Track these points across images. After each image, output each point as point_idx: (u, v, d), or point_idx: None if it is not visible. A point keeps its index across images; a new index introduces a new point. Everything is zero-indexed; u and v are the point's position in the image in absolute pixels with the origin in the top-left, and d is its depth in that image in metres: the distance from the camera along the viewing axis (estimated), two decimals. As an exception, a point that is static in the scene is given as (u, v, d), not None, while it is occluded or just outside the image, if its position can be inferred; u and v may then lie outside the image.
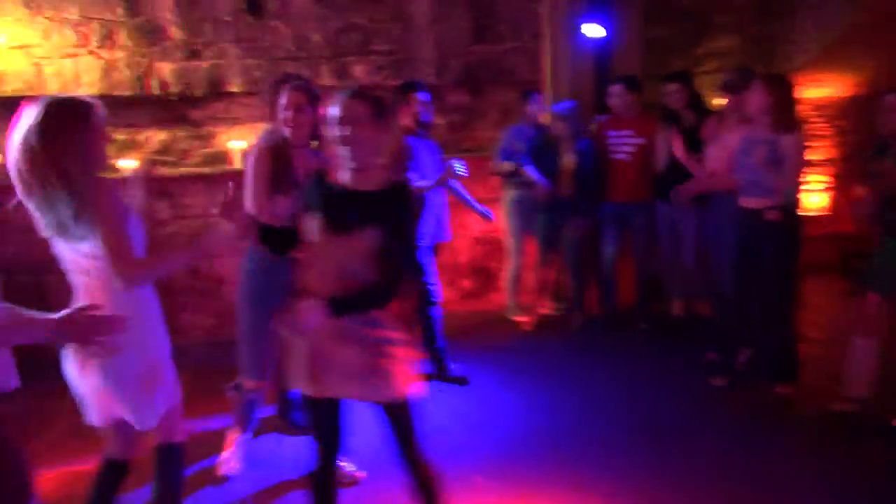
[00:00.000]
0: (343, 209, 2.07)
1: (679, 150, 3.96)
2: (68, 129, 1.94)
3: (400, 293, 2.16)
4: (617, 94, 4.68)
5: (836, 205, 6.00)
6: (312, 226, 2.10)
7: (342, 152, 2.07)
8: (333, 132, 2.07)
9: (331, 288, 2.03)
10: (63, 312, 1.76)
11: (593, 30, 5.01)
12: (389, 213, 2.07)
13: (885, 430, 3.23)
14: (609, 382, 4.02)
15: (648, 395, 3.82)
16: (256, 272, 2.94)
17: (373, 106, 2.09)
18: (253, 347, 2.99)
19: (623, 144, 4.66)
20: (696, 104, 4.41)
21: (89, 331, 1.78)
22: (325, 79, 5.25)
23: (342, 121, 2.05)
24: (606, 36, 5.04)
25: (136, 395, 2.13)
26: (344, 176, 2.12)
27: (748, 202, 3.55)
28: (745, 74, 3.89)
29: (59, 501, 2.88)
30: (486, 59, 5.52)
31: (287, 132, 2.86)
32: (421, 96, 3.94)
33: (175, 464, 2.36)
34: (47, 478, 3.04)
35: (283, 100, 2.85)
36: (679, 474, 2.99)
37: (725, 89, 3.95)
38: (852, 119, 5.96)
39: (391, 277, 2.08)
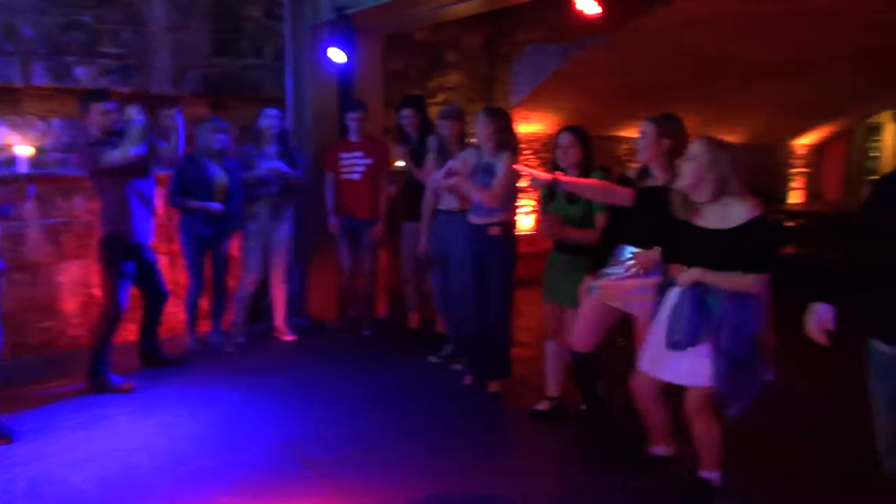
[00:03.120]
0: None
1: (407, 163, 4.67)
2: None
3: None
4: (351, 119, 5.10)
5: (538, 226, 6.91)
6: None
7: None
8: None
9: None
10: None
11: (336, 55, 5.18)
12: None
13: (578, 414, 3.76)
14: (344, 388, 4.24)
15: (388, 400, 4.08)
16: None
17: None
18: None
19: (355, 165, 5.07)
20: (428, 129, 4.88)
21: None
22: (41, 78, 4.70)
23: None
24: (350, 63, 5.24)
25: None
26: None
27: (475, 219, 3.98)
28: (458, 109, 4.47)
29: None
30: (228, 73, 5.39)
31: None
32: (108, 105, 3.98)
33: None
34: None
35: None
36: (430, 469, 3.23)
37: (444, 118, 4.36)
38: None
39: None
